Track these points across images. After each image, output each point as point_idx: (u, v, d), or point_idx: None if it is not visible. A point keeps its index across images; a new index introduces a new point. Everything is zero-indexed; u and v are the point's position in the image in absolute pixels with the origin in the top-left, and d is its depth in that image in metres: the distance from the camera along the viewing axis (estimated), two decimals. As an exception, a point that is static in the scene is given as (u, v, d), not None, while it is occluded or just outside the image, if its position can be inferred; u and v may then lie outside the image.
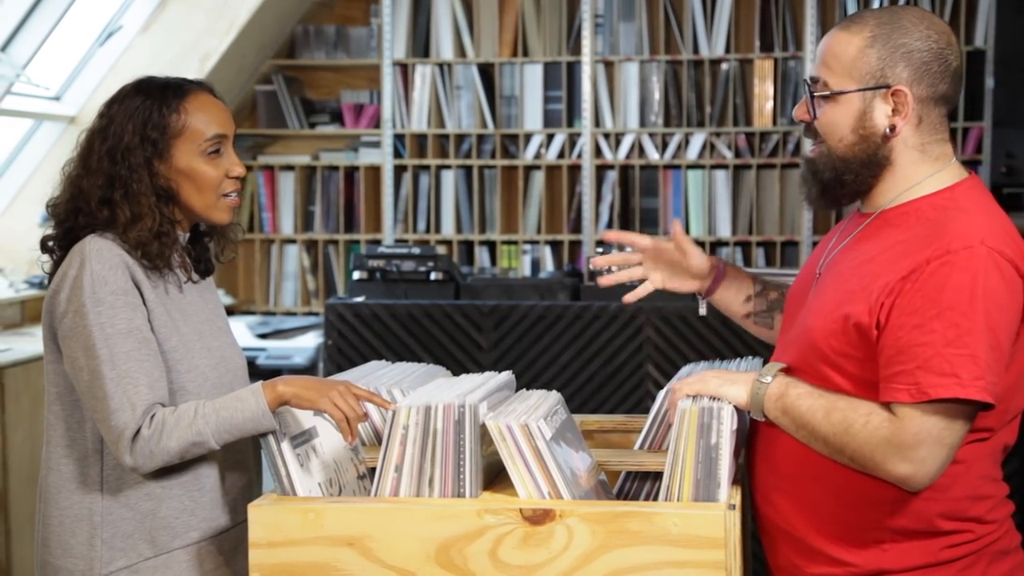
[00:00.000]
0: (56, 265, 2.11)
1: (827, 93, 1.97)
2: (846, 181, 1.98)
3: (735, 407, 1.96)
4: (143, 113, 2.08)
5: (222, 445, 2.02)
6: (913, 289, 1.84)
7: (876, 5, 5.65)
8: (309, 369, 5.27)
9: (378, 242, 6.10)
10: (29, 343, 4.26)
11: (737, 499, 1.91)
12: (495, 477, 2.03)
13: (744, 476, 2.10)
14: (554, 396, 2.08)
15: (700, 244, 5.86)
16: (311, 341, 5.45)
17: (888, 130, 1.94)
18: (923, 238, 1.88)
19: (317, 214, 6.22)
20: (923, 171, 1.96)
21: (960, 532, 1.92)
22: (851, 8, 5.67)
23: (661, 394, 2.21)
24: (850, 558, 1.94)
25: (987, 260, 1.82)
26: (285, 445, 1.98)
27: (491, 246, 6.12)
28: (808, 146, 2.06)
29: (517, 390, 2.20)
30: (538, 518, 1.86)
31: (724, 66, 5.86)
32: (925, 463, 1.82)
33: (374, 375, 2.39)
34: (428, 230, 6.09)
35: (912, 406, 1.81)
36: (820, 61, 1.99)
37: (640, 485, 2.15)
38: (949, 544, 1.91)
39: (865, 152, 1.96)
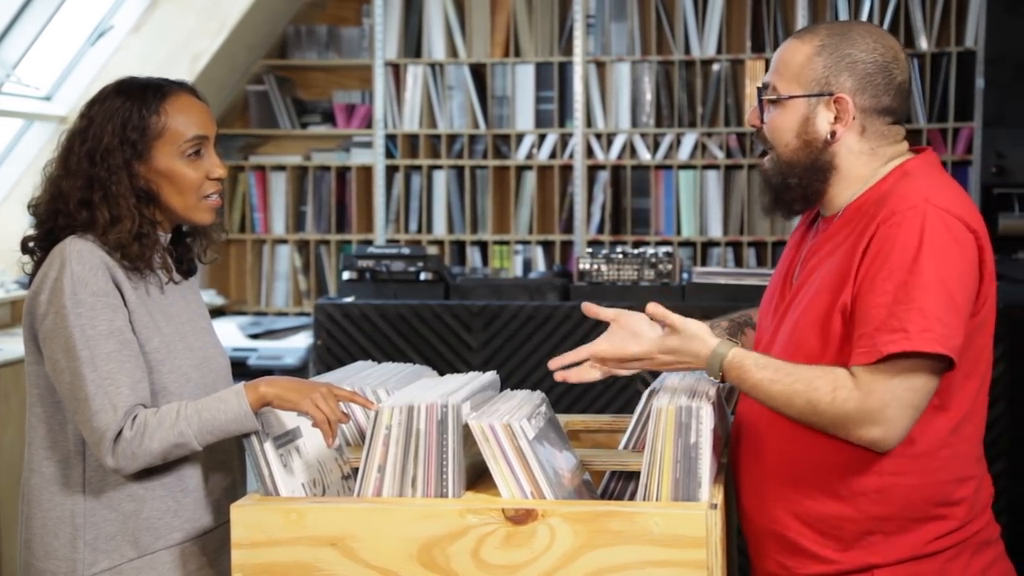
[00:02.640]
0: (37, 266, 2.11)
1: (774, 98, 2.03)
2: (791, 185, 2.03)
3: (713, 406, 1.97)
4: (123, 114, 2.08)
5: (205, 446, 2.02)
6: (869, 256, 1.89)
7: (866, 8, 5.66)
8: (300, 370, 5.27)
9: (370, 242, 6.09)
10: (19, 343, 4.23)
11: (719, 498, 1.91)
12: (478, 477, 2.03)
13: (729, 477, 2.11)
14: (538, 396, 2.09)
15: (691, 244, 5.93)
16: (302, 341, 5.45)
17: (829, 136, 1.99)
18: (875, 209, 1.93)
19: (309, 214, 6.22)
20: (878, 168, 2.01)
21: (945, 519, 1.94)
22: (842, 9, 5.68)
23: (646, 394, 2.22)
24: (839, 556, 1.96)
25: (932, 217, 1.87)
26: (268, 445, 1.98)
27: (483, 246, 6.12)
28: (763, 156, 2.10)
29: (507, 390, 2.20)
30: (520, 518, 1.86)
31: (715, 66, 5.87)
32: (892, 424, 1.86)
33: (360, 375, 2.39)
34: (420, 230, 6.09)
35: (872, 368, 1.85)
36: (773, 68, 2.05)
37: (624, 485, 2.16)
38: (934, 536, 1.94)
39: (808, 157, 2.01)
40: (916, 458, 1.91)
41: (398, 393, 2.07)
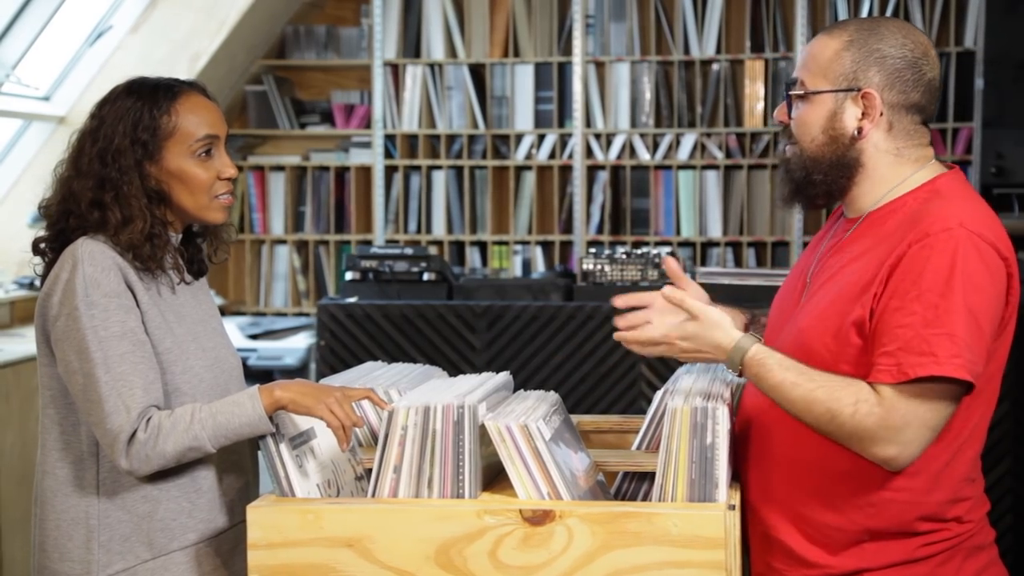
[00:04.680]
0: (48, 267, 2.09)
1: (802, 93, 2.01)
2: (816, 181, 2.01)
3: (729, 408, 1.96)
4: (134, 114, 2.07)
5: (218, 448, 2.01)
6: (898, 274, 1.87)
7: (865, 7, 5.66)
8: (300, 370, 5.26)
9: (369, 243, 6.09)
10: (19, 344, 4.24)
11: (736, 499, 1.91)
12: (494, 478, 2.03)
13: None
14: (552, 397, 2.08)
15: (690, 245, 5.93)
16: (302, 342, 5.44)
17: (856, 132, 1.97)
18: (906, 226, 1.91)
19: (307, 214, 6.21)
20: (903, 172, 2.00)
21: (938, 531, 1.94)
22: (841, 8, 5.68)
23: (658, 395, 2.21)
24: (830, 561, 1.96)
25: (966, 242, 1.85)
26: (284, 447, 1.98)
27: (482, 246, 6.12)
28: (784, 148, 2.07)
29: (520, 390, 2.19)
30: (538, 519, 1.86)
31: (715, 66, 5.87)
32: (910, 445, 1.85)
33: (370, 376, 2.39)
34: (419, 230, 6.09)
35: (896, 387, 1.83)
36: (801, 63, 2.04)
37: (638, 485, 2.15)
38: (926, 542, 1.94)
39: (834, 153, 1.99)
40: (913, 476, 1.91)
41: (412, 393, 2.06)
